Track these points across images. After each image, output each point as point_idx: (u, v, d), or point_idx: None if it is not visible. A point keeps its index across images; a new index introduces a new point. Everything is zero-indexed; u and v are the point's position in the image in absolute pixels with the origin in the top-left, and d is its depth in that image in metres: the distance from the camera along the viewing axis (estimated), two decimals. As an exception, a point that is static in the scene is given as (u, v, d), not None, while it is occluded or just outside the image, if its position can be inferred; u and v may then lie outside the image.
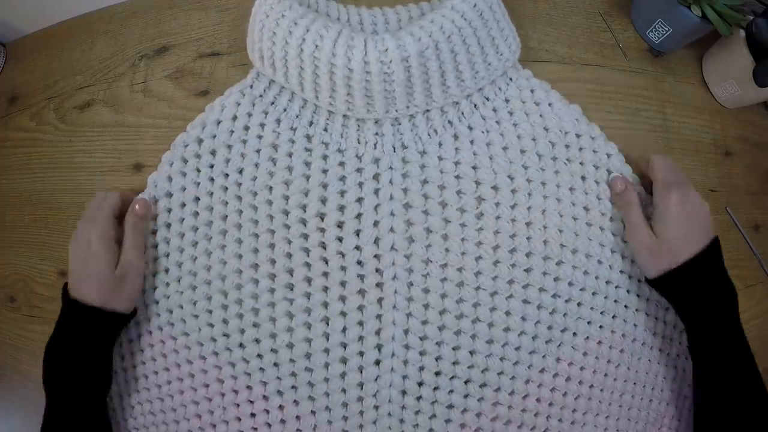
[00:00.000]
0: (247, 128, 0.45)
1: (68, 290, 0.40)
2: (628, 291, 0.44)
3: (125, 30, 0.56)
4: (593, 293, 0.43)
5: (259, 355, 0.42)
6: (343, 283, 0.42)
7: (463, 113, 0.45)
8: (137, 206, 0.43)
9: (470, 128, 0.44)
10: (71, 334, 0.40)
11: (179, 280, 0.44)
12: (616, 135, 0.48)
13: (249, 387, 0.42)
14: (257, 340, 0.42)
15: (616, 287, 0.44)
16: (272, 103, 0.46)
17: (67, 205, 0.52)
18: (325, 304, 0.42)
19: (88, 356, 0.40)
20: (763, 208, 0.53)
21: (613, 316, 0.43)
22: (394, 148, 0.44)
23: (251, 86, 0.46)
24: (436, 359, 0.41)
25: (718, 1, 0.46)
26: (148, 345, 0.45)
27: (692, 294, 0.39)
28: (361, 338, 0.41)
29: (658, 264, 0.40)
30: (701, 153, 0.52)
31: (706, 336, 0.39)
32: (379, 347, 0.41)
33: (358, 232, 0.42)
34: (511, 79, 0.46)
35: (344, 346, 0.41)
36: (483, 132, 0.44)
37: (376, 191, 0.43)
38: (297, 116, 0.45)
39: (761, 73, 0.47)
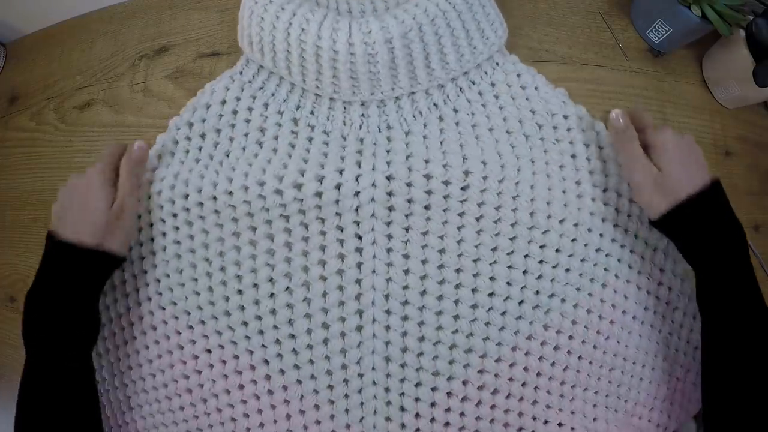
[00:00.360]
0: (235, 112, 0.46)
1: (55, 235, 0.39)
2: (619, 260, 0.44)
3: (125, 30, 0.56)
4: (582, 260, 0.42)
5: (245, 323, 0.42)
6: (322, 248, 0.42)
7: (448, 96, 0.45)
8: (135, 151, 0.43)
9: (455, 111, 0.45)
10: (59, 279, 0.39)
11: (164, 249, 0.45)
12: (616, 135, 0.48)
13: (236, 356, 0.42)
14: (242, 307, 0.42)
15: (607, 255, 0.43)
16: (261, 88, 0.47)
17: (67, 205, 0.52)
18: (306, 269, 0.42)
19: (78, 303, 0.39)
20: (763, 208, 0.53)
21: (603, 285, 0.43)
22: (379, 128, 0.44)
23: (241, 72, 0.48)
24: (419, 324, 0.41)
25: (718, 1, 0.46)
26: (138, 318, 0.45)
27: (700, 229, 0.38)
28: (341, 303, 0.41)
29: (664, 198, 0.39)
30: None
31: (714, 274, 0.38)
32: (360, 313, 0.41)
33: (337, 201, 0.42)
34: (497, 63, 0.46)
35: (325, 311, 0.41)
36: (468, 114, 0.45)
37: (358, 163, 0.43)
38: (284, 100, 0.46)
39: (761, 73, 0.47)
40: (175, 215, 0.45)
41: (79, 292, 0.39)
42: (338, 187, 0.42)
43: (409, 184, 0.42)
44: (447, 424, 0.40)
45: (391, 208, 0.42)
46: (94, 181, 0.40)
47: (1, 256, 0.54)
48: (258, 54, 0.44)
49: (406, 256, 0.41)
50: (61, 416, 0.38)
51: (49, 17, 0.60)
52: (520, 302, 0.41)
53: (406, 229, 0.42)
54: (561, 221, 0.42)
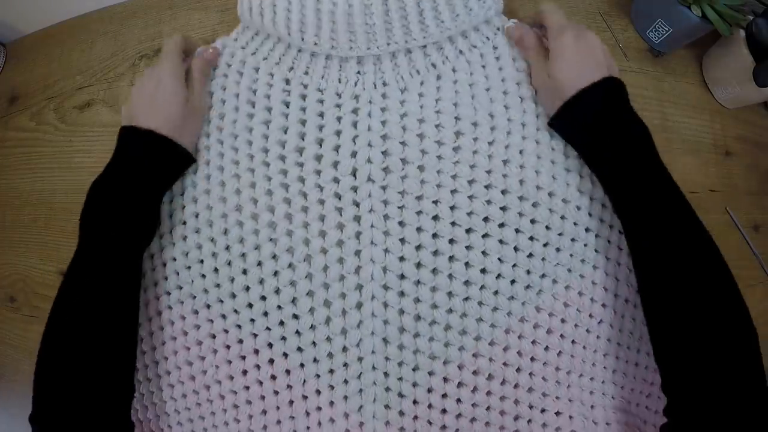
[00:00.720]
0: (225, 75, 0.47)
1: (128, 127, 0.40)
2: (609, 242, 0.43)
3: (125, 30, 0.56)
4: (572, 239, 0.42)
5: (249, 305, 0.42)
6: (322, 218, 0.42)
7: (447, 57, 0.45)
8: (208, 51, 0.45)
9: (454, 71, 0.45)
10: (130, 166, 0.39)
11: (171, 231, 0.45)
12: (616, 135, 0.48)
13: (240, 341, 0.42)
14: (247, 288, 0.42)
15: (597, 236, 0.43)
16: (253, 54, 0.47)
17: (67, 205, 0.52)
18: (306, 241, 0.42)
19: (145, 194, 0.39)
20: (763, 208, 0.53)
21: (594, 267, 0.43)
22: (375, 85, 0.44)
23: (235, 39, 0.48)
24: (415, 301, 0.41)
25: (718, 1, 0.46)
26: (144, 304, 0.45)
27: (591, 129, 0.38)
28: (342, 278, 0.41)
29: (553, 103, 0.40)
30: (701, 153, 0.52)
31: (619, 176, 0.37)
32: (359, 288, 0.41)
33: (336, 164, 0.42)
34: (498, 29, 0.47)
35: (326, 287, 0.41)
36: (467, 74, 0.45)
37: (354, 123, 0.43)
38: (277, 63, 0.46)
39: (761, 73, 0.47)
40: (182, 193, 0.45)
41: (149, 182, 0.40)
42: (336, 149, 0.43)
43: (403, 143, 0.42)
44: (444, 410, 0.40)
45: (386, 170, 0.42)
46: (164, 75, 0.41)
47: (1, 256, 0.54)
48: (258, 17, 0.45)
49: (402, 224, 0.41)
50: (102, 308, 0.37)
51: (49, 17, 0.60)
52: (512, 281, 0.41)
53: (402, 194, 0.42)
54: (550, 194, 0.42)
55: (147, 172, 0.40)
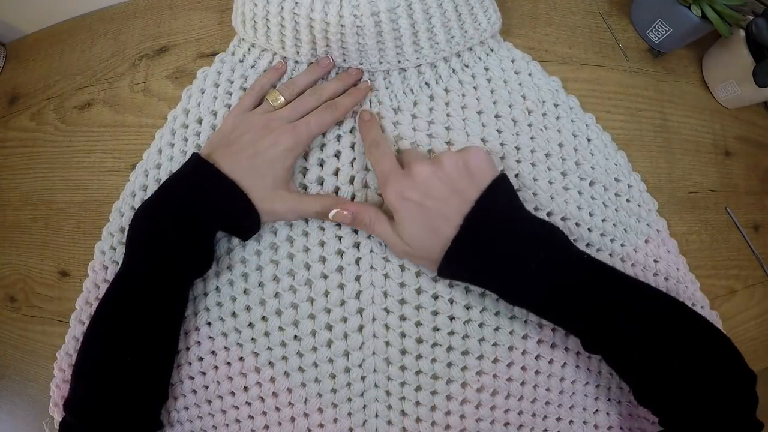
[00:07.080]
0: (229, 93, 0.47)
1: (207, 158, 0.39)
2: (610, 255, 0.44)
3: (125, 30, 0.56)
4: None
5: (251, 324, 0.42)
6: (322, 243, 0.42)
7: (440, 76, 0.45)
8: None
9: (447, 91, 0.45)
10: (206, 210, 0.38)
11: None
12: (616, 135, 0.48)
13: (241, 359, 0.42)
14: (248, 308, 0.43)
15: (598, 250, 0.43)
16: (252, 66, 0.47)
17: (67, 205, 0.52)
18: (307, 266, 0.42)
19: (210, 234, 0.39)
20: (763, 208, 0.53)
21: None
22: (370, 102, 0.45)
23: (232, 53, 0.49)
24: (416, 324, 0.41)
25: (718, 1, 0.46)
26: None
27: (493, 266, 0.35)
28: (343, 303, 0.42)
29: (424, 265, 0.39)
30: (701, 153, 0.52)
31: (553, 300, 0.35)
32: (360, 312, 0.41)
33: (336, 191, 0.43)
34: (492, 49, 0.47)
35: (328, 311, 0.42)
36: (459, 95, 0.45)
37: (352, 145, 0.44)
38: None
39: (761, 73, 0.47)
40: None
41: (216, 228, 0.39)
42: (336, 173, 0.43)
43: None
44: (447, 426, 0.40)
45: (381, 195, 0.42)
46: (282, 144, 0.39)
47: (1, 256, 0.54)
48: (251, 30, 0.45)
49: None
50: (146, 329, 0.38)
51: (49, 17, 0.60)
52: None
53: None
54: (549, 214, 0.43)
55: (224, 227, 0.40)
